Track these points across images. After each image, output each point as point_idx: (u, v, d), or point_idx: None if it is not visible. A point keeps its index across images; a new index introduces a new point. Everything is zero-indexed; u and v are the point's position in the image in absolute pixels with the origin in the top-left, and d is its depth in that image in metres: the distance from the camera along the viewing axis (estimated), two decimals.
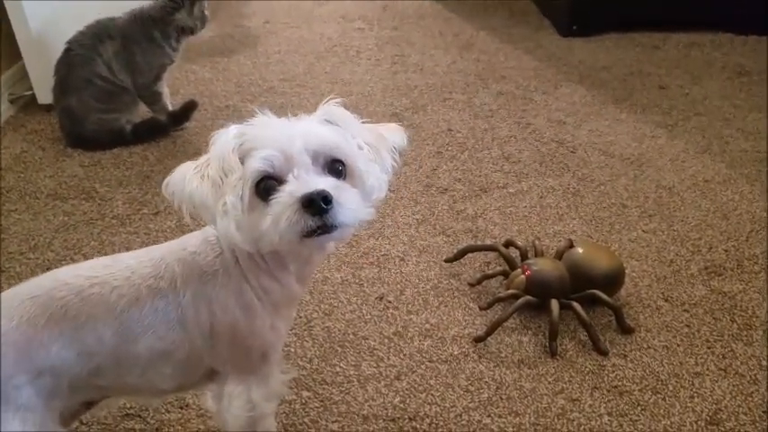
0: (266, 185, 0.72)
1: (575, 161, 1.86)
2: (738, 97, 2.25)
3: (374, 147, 0.80)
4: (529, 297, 1.26)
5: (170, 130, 1.93)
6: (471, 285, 1.38)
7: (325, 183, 0.72)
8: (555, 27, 2.83)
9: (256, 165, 0.72)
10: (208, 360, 0.86)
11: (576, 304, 1.25)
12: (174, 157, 1.83)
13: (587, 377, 1.18)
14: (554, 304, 1.24)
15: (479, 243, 1.48)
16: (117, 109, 1.86)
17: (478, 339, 1.24)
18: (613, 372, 1.20)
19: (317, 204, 0.70)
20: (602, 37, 2.77)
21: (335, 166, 0.76)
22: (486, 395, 1.15)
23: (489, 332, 1.24)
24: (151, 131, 1.90)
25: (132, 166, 1.80)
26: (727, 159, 1.88)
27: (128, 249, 1.53)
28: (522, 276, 1.30)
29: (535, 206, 1.65)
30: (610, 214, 1.64)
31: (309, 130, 0.76)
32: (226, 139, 0.74)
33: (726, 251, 1.51)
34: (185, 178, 0.75)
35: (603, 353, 1.22)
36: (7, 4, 1.84)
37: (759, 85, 2.33)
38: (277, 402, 0.97)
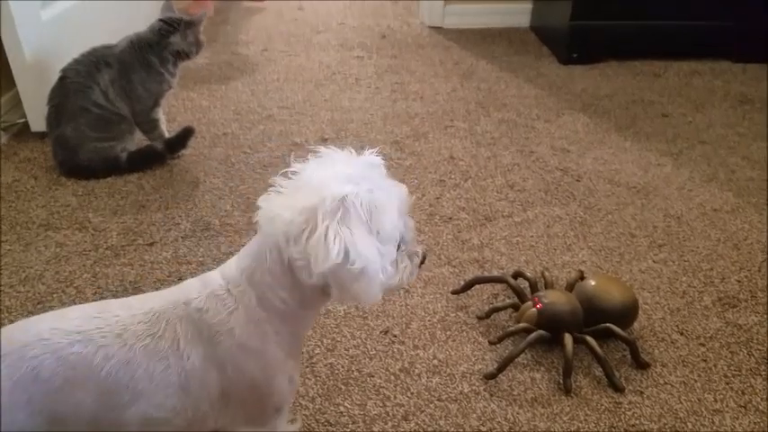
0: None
1: (580, 190, 1.83)
2: (742, 125, 2.23)
3: None
4: (541, 331, 1.21)
5: (167, 158, 1.89)
6: (480, 319, 1.33)
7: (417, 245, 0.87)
8: (555, 55, 2.83)
9: (407, 232, 0.82)
10: (213, 423, 0.80)
11: (590, 339, 1.20)
12: (170, 186, 1.79)
13: (603, 416, 1.13)
14: (567, 339, 1.19)
15: (487, 274, 1.43)
16: (113, 137, 1.82)
17: (489, 376, 1.18)
18: (630, 410, 1.14)
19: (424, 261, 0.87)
20: (603, 65, 2.77)
21: None
22: None
23: (501, 369, 1.18)
24: (147, 159, 1.86)
25: (127, 195, 1.75)
26: (734, 188, 1.85)
27: (121, 281, 1.51)
28: (534, 309, 1.25)
29: (542, 235, 1.61)
30: (619, 244, 1.59)
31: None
32: (390, 207, 0.77)
33: (738, 282, 1.47)
34: (349, 241, 0.72)
35: (619, 389, 1.17)
36: (2, 30, 1.81)
37: (761, 113, 2.32)
38: None
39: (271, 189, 0.79)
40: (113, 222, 1.64)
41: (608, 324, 1.22)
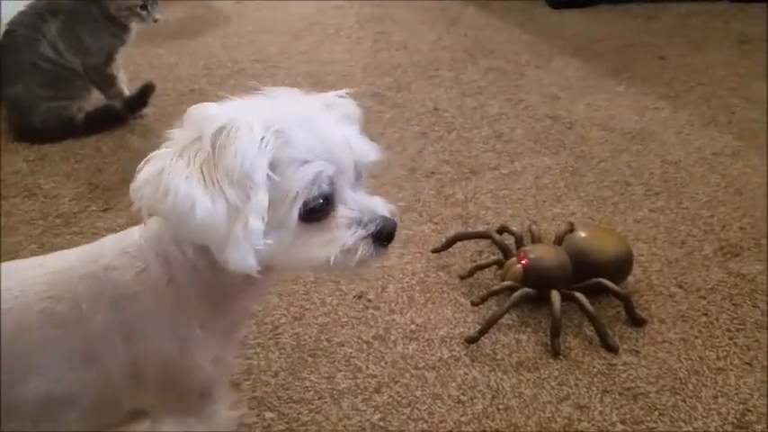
0: (316, 206, 0.61)
1: (572, 138, 1.70)
2: (742, 65, 2.10)
3: None
4: (527, 289, 1.10)
5: (127, 117, 1.76)
6: (462, 278, 1.22)
7: (384, 208, 0.66)
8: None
9: (319, 187, 0.60)
10: (129, 402, 0.70)
11: (579, 295, 1.10)
12: (130, 148, 1.67)
13: (596, 379, 1.03)
14: (555, 296, 1.09)
15: (470, 230, 1.32)
16: (67, 95, 1.69)
17: (471, 340, 1.08)
18: (625, 371, 1.04)
19: (392, 238, 0.65)
20: (596, 9, 2.61)
21: (358, 184, 0.66)
22: (481, 406, 0.99)
23: (483, 331, 1.08)
24: (106, 120, 1.73)
25: (83, 158, 1.63)
26: (735, 130, 1.73)
27: None
28: (519, 266, 1.14)
29: (530, 188, 1.50)
30: (612, 193, 1.48)
31: (354, 138, 0.65)
32: (249, 138, 0.57)
33: (741, 229, 1.36)
34: (175, 184, 0.56)
35: (613, 349, 1.07)
36: None
37: (762, 52, 2.18)
38: None
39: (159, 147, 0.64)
40: (66, 188, 1.52)
41: (600, 279, 1.12)
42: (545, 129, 1.75)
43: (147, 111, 1.78)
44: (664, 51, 2.21)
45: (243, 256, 0.57)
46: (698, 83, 1.99)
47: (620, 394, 1.01)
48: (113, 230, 1.41)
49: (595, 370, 1.05)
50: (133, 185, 0.58)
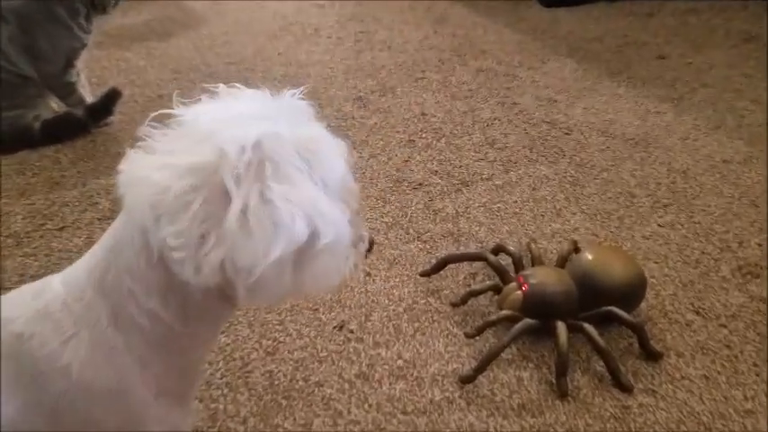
0: None
1: (570, 144, 1.58)
2: (747, 65, 1.98)
3: None
4: (529, 320, 0.97)
5: (91, 126, 1.62)
6: (455, 306, 1.09)
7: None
8: None
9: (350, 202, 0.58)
10: None
11: (588, 326, 0.97)
12: (91, 158, 1.52)
13: (609, 425, 0.91)
14: (561, 328, 0.96)
15: (462, 251, 1.19)
16: (20, 104, 1.54)
17: (466, 380, 0.96)
18: (641, 415, 0.92)
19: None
20: (590, 6, 2.50)
21: None
22: None
23: (480, 369, 0.95)
24: (66, 129, 1.59)
25: (40, 171, 1.49)
26: (744, 135, 1.62)
27: (21, 276, 1.25)
28: (519, 293, 1.01)
29: (527, 200, 1.37)
30: (617, 206, 1.36)
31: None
32: (318, 138, 0.55)
33: (760, 245, 1.24)
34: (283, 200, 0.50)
35: (627, 389, 0.95)
36: None
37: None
38: None
39: (138, 144, 0.54)
40: (19, 205, 1.38)
41: (609, 307, 0.99)
42: (541, 135, 1.63)
43: (112, 118, 1.64)
44: (664, 50, 2.10)
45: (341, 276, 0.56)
46: (701, 84, 1.87)
47: None
48: (69, 252, 1.29)
49: (608, 413, 0.92)
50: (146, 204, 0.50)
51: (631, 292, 1.04)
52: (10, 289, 1.16)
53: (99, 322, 0.53)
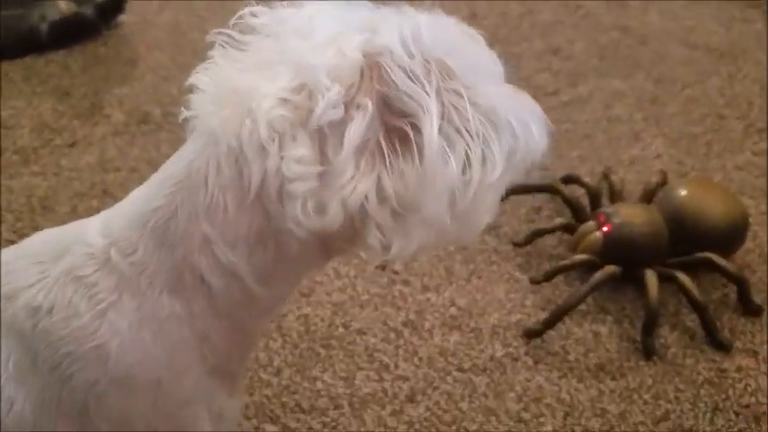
0: None
1: (647, 55, 1.38)
2: None
3: None
4: (613, 268, 0.83)
5: (101, 28, 1.45)
6: (517, 245, 0.94)
7: None
8: None
9: None
10: None
11: (682, 276, 0.82)
12: (103, 63, 1.37)
13: (703, 391, 0.78)
14: (650, 279, 0.81)
15: (528, 182, 1.02)
16: (24, 2, 1.39)
17: (533, 334, 0.82)
18: (741, 380, 0.79)
19: None
20: None
21: None
22: (551, 427, 0.75)
23: (550, 324, 0.82)
24: (75, 31, 1.43)
25: (48, 79, 1.34)
26: None
27: (28, 198, 1.12)
28: (598, 234, 0.86)
29: (600, 120, 1.19)
30: (704, 129, 1.18)
31: None
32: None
33: None
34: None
35: (724, 348, 0.82)
36: None
37: None
38: None
39: (213, 56, 0.42)
40: (26, 116, 1.25)
41: (707, 254, 0.84)
42: (612, 43, 1.42)
43: (122, 18, 1.47)
44: None
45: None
46: None
47: (735, 413, 0.76)
48: (79, 171, 1.17)
49: (701, 378, 0.79)
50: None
51: (732, 236, 0.88)
52: (16, 212, 1.07)
53: (152, 285, 0.41)
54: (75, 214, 1.03)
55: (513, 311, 0.87)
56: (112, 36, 1.46)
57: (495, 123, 0.40)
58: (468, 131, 0.39)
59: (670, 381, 0.79)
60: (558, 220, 0.94)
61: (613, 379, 0.79)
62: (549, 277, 0.87)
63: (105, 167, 1.11)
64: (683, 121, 1.20)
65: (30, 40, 1.40)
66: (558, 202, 0.98)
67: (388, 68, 0.37)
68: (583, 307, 0.86)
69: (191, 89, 0.41)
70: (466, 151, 0.38)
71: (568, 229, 0.92)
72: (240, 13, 0.42)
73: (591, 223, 0.88)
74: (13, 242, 0.89)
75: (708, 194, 0.89)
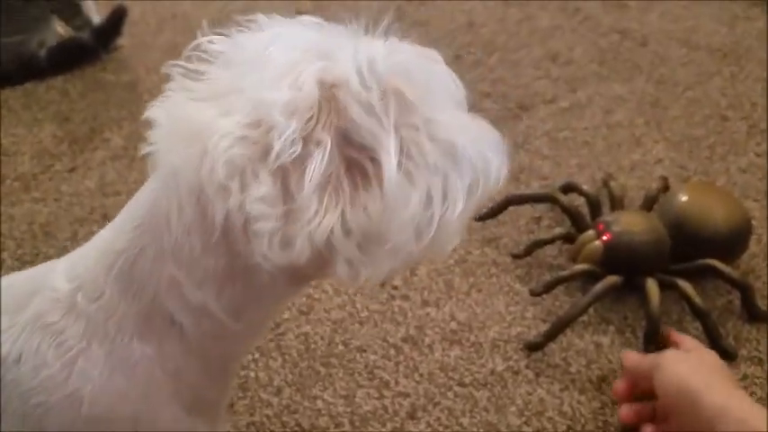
0: None
1: (647, 58, 1.36)
2: None
3: None
4: (614, 278, 0.81)
5: (100, 52, 1.46)
6: (516, 257, 0.93)
7: None
8: None
9: None
10: None
11: (683, 283, 0.81)
12: (102, 88, 1.38)
13: None
14: (651, 286, 0.80)
15: (525, 191, 1.01)
16: (23, 28, 1.40)
17: (534, 347, 0.81)
18: (746, 389, 0.77)
19: None
20: None
21: None
22: None
23: (551, 336, 0.81)
24: (73, 55, 1.44)
25: (47, 105, 1.36)
26: None
27: (30, 225, 1.13)
28: (598, 243, 0.85)
29: (599, 126, 1.18)
30: (706, 132, 1.16)
31: None
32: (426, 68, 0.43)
33: None
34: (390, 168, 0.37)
35: (729, 356, 0.79)
36: None
37: None
38: None
39: (171, 85, 0.41)
40: (27, 143, 1.26)
41: (710, 261, 0.82)
42: (612, 46, 1.41)
43: (121, 41, 1.48)
44: None
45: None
46: None
47: None
48: (79, 196, 1.17)
49: None
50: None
51: (735, 241, 0.86)
52: (18, 239, 1.07)
53: (122, 330, 0.41)
54: (76, 240, 1.04)
55: (514, 324, 0.86)
56: (111, 60, 1.47)
57: (455, 157, 0.39)
58: (428, 167, 0.38)
59: None
60: (558, 230, 0.92)
61: None
62: (549, 288, 0.85)
63: (105, 192, 1.12)
64: (684, 124, 1.18)
65: (30, 66, 1.42)
66: (558, 211, 0.96)
67: (344, 102, 0.36)
68: (584, 318, 0.85)
69: (149, 124, 0.40)
70: (427, 187, 0.38)
71: (568, 238, 0.91)
72: (196, 42, 0.41)
73: (590, 232, 0.87)
74: (15, 269, 0.89)
75: (709, 200, 0.87)
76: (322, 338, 0.87)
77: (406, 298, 0.91)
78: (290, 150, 0.35)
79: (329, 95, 0.36)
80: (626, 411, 0.70)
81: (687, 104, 1.23)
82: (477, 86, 1.32)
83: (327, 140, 0.35)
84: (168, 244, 0.40)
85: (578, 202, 0.96)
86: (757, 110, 1.20)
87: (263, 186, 0.35)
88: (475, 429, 0.75)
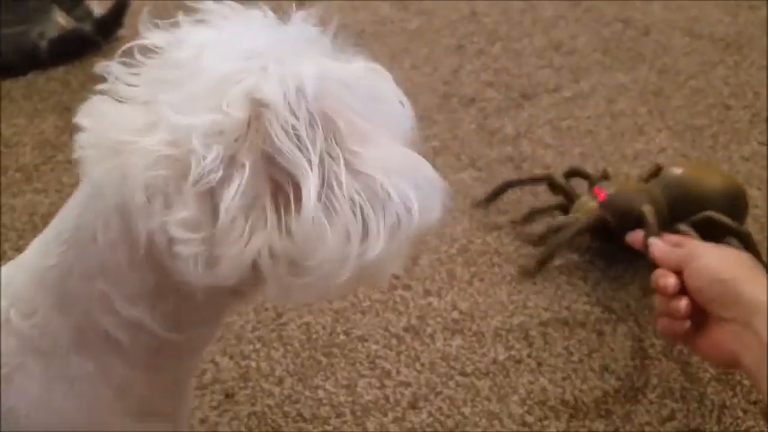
0: None
1: (650, 47, 1.36)
2: None
3: None
4: (602, 214, 0.85)
5: (101, 43, 1.46)
6: (514, 223, 0.96)
7: None
8: None
9: None
10: None
11: (683, 227, 0.82)
12: (103, 79, 1.37)
13: (709, 389, 0.76)
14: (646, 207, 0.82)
15: (522, 176, 1.02)
16: (23, 19, 1.40)
17: (526, 272, 0.86)
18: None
19: None
20: None
21: None
22: (555, 430, 0.73)
23: (543, 262, 0.85)
24: (74, 47, 1.44)
25: (49, 96, 1.36)
26: None
27: (31, 216, 1.14)
28: (594, 203, 0.87)
29: (603, 115, 1.18)
30: (709, 121, 1.16)
31: None
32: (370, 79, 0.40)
33: None
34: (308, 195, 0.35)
35: None
36: None
37: None
38: None
39: (102, 92, 0.41)
40: (28, 134, 1.26)
41: (709, 212, 0.84)
42: (615, 36, 1.40)
43: (121, 32, 1.48)
44: None
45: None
46: None
47: (744, 411, 0.74)
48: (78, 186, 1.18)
49: (708, 375, 0.78)
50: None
51: (732, 204, 0.88)
52: (19, 230, 1.07)
53: (58, 345, 0.40)
54: None
55: (516, 313, 0.86)
56: (111, 51, 1.47)
57: (379, 196, 0.36)
58: (347, 202, 0.36)
59: (676, 379, 0.77)
60: (556, 201, 0.94)
61: (618, 379, 0.77)
62: (542, 263, 0.87)
63: None
64: (687, 113, 1.18)
65: (31, 57, 1.41)
66: (561, 200, 0.96)
67: (269, 125, 0.34)
68: (586, 307, 0.85)
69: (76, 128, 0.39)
70: (345, 222, 0.36)
71: (563, 208, 0.92)
72: (131, 43, 0.40)
73: (586, 196, 0.89)
74: None
75: (705, 172, 0.90)
76: (323, 328, 0.87)
77: (407, 287, 0.91)
78: (210, 177, 0.34)
79: (258, 113, 0.35)
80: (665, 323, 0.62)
81: (690, 94, 1.23)
82: (480, 76, 1.32)
83: (248, 164, 0.34)
84: (96, 260, 0.39)
85: (581, 190, 0.96)
86: (760, 99, 1.20)
87: (185, 209, 0.34)
88: (477, 419, 0.75)
